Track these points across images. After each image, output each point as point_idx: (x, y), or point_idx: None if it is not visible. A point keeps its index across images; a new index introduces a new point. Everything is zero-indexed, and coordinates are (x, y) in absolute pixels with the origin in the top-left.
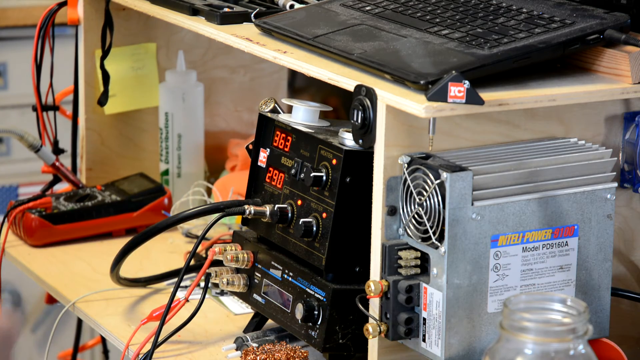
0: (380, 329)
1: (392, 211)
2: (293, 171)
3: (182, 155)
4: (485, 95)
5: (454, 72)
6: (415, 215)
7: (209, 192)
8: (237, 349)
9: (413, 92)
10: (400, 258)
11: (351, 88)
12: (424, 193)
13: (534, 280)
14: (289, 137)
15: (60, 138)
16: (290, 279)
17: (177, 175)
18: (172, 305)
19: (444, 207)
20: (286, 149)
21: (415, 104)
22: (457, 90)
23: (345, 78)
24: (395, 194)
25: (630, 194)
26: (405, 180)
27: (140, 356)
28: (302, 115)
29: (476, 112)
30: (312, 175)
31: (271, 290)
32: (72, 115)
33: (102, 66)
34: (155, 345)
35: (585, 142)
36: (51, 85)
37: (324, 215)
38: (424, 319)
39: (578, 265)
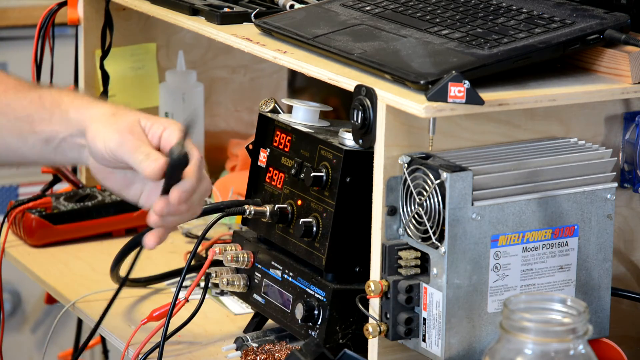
0: (380, 329)
1: (392, 211)
2: (293, 171)
3: None
4: (485, 95)
5: (454, 72)
6: (415, 215)
7: None
8: (237, 349)
9: (413, 92)
10: (400, 258)
11: (351, 88)
12: (424, 193)
13: (534, 280)
14: (289, 137)
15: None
16: (290, 279)
17: None
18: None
19: (444, 207)
20: (286, 149)
21: (415, 104)
22: (457, 90)
23: (345, 78)
24: (395, 194)
25: (630, 194)
26: (405, 180)
27: (140, 356)
28: (302, 115)
29: (476, 112)
30: (312, 175)
31: (271, 290)
32: None
33: (101, 66)
34: (163, 345)
35: (585, 142)
36: (51, 85)
37: (324, 215)
38: (424, 319)
39: (578, 265)
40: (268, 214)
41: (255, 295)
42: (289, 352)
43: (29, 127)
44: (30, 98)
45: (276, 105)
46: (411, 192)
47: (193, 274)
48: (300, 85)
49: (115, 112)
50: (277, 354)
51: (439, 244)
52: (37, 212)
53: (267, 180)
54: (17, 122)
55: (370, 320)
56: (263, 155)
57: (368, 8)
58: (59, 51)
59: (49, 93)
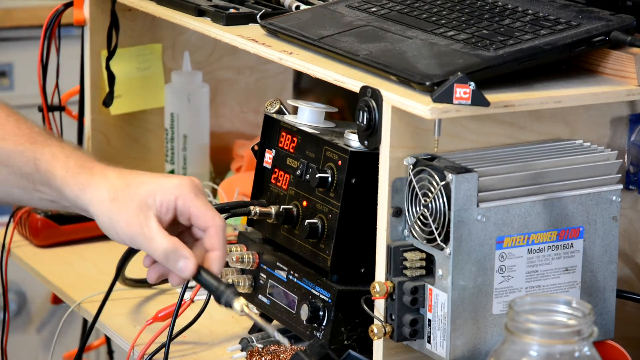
0: (385, 330)
1: (397, 212)
2: (298, 172)
3: (187, 156)
4: (491, 96)
5: (459, 73)
6: (421, 217)
7: (214, 192)
8: (242, 350)
9: (419, 93)
10: (406, 259)
11: (357, 89)
12: (430, 194)
13: (539, 282)
14: (295, 138)
15: (66, 138)
16: (295, 280)
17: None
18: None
19: (449, 209)
20: (292, 150)
21: (420, 105)
22: (462, 92)
23: (351, 79)
24: (401, 195)
25: (635, 195)
26: (411, 181)
27: (145, 356)
28: (307, 116)
29: (481, 114)
30: (317, 176)
31: (276, 291)
32: (78, 115)
33: (107, 67)
34: (168, 345)
35: (591, 144)
36: (57, 85)
37: (330, 216)
38: (429, 320)
39: (583, 267)
40: (273, 215)
41: (260, 296)
42: (294, 353)
43: (32, 186)
44: (27, 157)
45: (282, 106)
46: (416, 194)
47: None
48: (306, 87)
49: (114, 196)
50: (282, 355)
51: (444, 246)
52: (43, 213)
53: (273, 181)
54: (20, 178)
55: (376, 321)
56: (268, 156)
57: (374, 9)
58: (65, 52)
59: (42, 156)
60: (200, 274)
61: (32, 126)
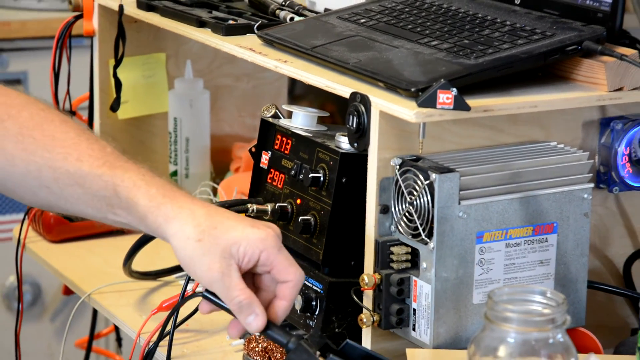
0: (373, 318)
1: (384, 209)
2: (293, 172)
3: (189, 158)
4: (472, 101)
5: (442, 80)
6: (406, 214)
7: (214, 192)
8: (240, 338)
9: (404, 98)
10: (392, 253)
11: (347, 95)
12: (415, 193)
13: (516, 273)
14: (289, 141)
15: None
16: None
17: (185, 176)
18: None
19: (432, 206)
20: (286, 152)
21: (406, 109)
22: (445, 97)
23: (341, 86)
24: (388, 194)
25: (605, 194)
26: (397, 180)
27: (150, 344)
28: (301, 120)
29: (463, 118)
30: (310, 176)
31: None
32: (88, 120)
33: (115, 75)
34: (172, 333)
35: (564, 145)
36: (68, 92)
37: (322, 213)
38: (414, 310)
39: (557, 260)
40: (269, 212)
41: None
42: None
43: (109, 208)
44: (105, 182)
45: (277, 111)
46: (402, 192)
47: None
48: (300, 93)
49: (201, 237)
50: None
51: (428, 240)
52: None
53: (269, 180)
54: (96, 200)
55: (364, 310)
56: (265, 158)
57: (363, 20)
58: (76, 61)
59: (122, 182)
60: (268, 329)
61: (104, 145)
